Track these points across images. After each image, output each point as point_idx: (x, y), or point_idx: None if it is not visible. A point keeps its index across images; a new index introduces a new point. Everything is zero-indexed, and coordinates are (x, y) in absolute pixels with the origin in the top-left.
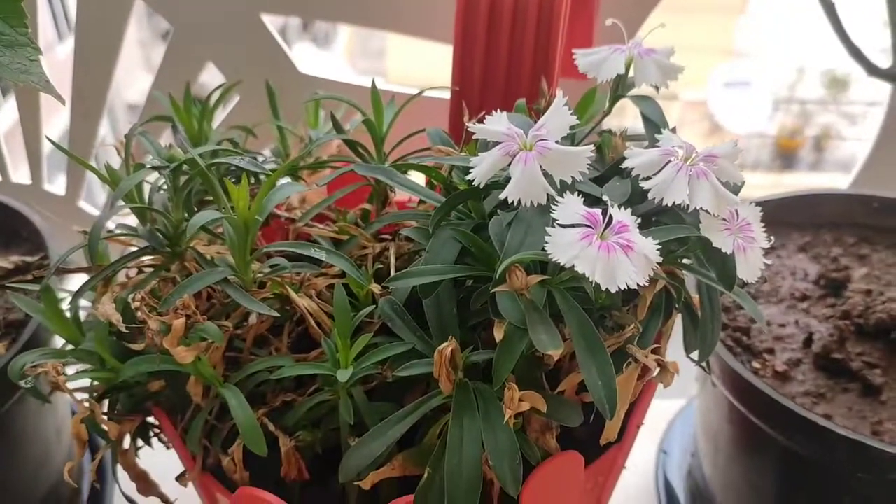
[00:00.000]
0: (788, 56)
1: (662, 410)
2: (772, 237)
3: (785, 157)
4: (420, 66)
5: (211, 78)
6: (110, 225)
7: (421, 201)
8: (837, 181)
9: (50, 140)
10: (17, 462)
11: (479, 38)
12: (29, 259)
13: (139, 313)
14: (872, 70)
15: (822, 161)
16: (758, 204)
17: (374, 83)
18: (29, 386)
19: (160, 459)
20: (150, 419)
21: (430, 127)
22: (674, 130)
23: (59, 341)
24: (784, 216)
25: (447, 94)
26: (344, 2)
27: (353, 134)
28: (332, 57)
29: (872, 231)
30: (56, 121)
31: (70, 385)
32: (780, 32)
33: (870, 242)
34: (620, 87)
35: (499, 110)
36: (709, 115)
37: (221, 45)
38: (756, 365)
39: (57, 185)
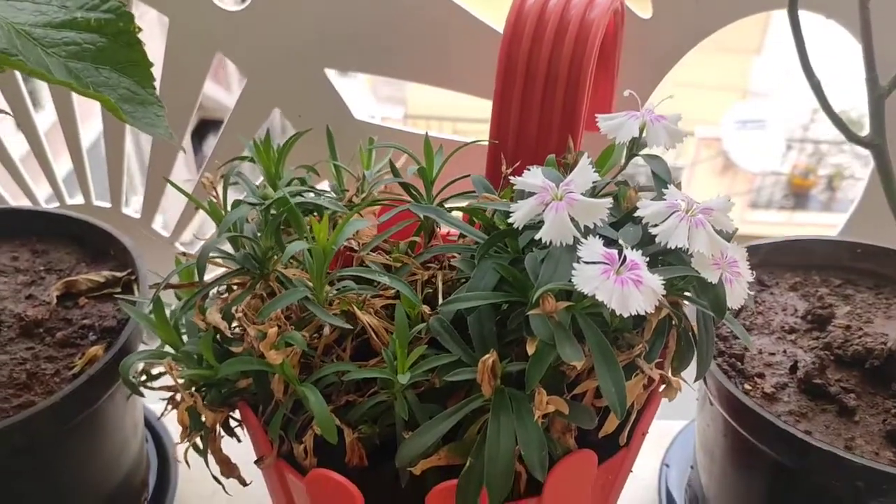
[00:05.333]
0: (803, 97)
1: (666, 429)
2: (754, 272)
3: (798, 195)
4: (437, 95)
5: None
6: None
7: (461, 235)
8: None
9: (170, 182)
10: (104, 450)
11: (515, 96)
12: (118, 274)
13: (241, 323)
14: (851, 137)
15: (834, 200)
16: (755, 247)
17: (427, 137)
18: (139, 381)
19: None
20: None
21: (468, 169)
22: (679, 186)
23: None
24: (778, 258)
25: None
26: (402, 62)
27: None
28: (355, 83)
29: (856, 274)
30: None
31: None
32: (795, 74)
33: (854, 284)
34: (635, 147)
35: (531, 161)
36: (723, 153)
37: (288, 94)
38: (748, 387)
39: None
